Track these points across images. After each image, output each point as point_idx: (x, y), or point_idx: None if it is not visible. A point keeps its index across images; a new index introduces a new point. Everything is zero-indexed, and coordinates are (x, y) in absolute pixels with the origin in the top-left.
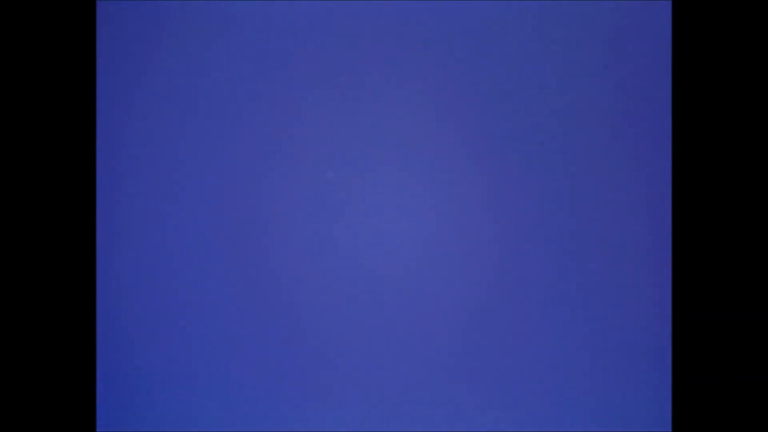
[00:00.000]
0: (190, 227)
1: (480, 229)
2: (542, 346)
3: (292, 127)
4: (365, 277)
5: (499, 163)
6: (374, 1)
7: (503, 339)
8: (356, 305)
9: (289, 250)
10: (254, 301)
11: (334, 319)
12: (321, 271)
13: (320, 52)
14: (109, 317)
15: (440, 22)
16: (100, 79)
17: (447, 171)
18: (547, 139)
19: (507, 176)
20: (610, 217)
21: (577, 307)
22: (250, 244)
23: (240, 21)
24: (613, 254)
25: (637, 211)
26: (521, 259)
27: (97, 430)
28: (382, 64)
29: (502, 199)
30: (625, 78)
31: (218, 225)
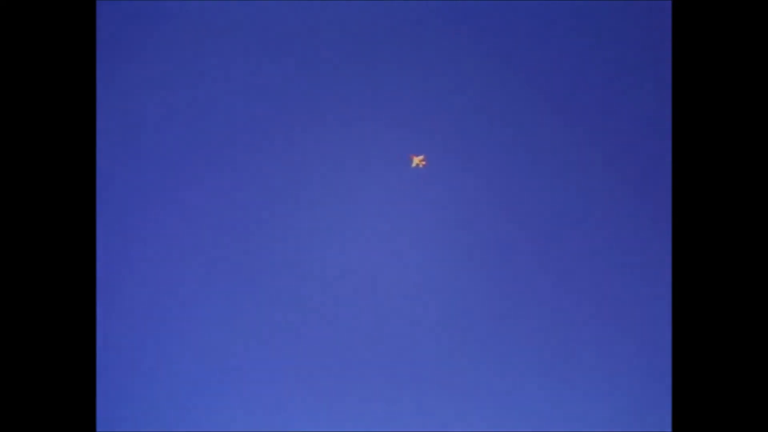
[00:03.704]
0: (189, 228)
1: (480, 231)
2: (542, 347)
3: (292, 125)
4: (365, 280)
5: (499, 164)
6: (372, 1)
7: (503, 340)
8: (356, 308)
9: (288, 254)
10: (254, 302)
11: (333, 320)
12: (320, 274)
13: (319, 51)
14: (109, 317)
15: (441, 22)
16: (100, 79)
17: (446, 172)
18: (547, 139)
19: (506, 177)
20: (610, 218)
21: (577, 309)
22: (251, 245)
23: (239, 21)
24: (613, 255)
25: (637, 210)
26: (521, 260)
27: (97, 430)
28: (383, 65)
29: (502, 200)
30: (625, 78)
31: (218, 226)
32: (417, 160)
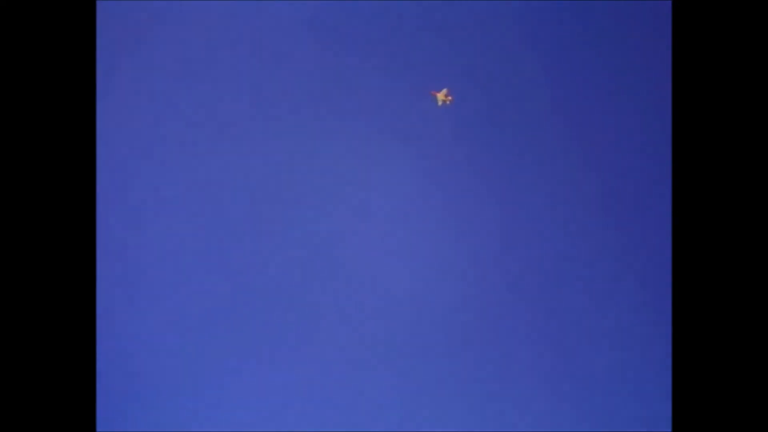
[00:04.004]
0: (189, 229)
1: (480, 230)
2: (542, 347)
3: (291, 126)
4: (366, 281)
5: (499, 163)
6: (374, 1)
7: (503, 339)
8: (356, 309)
9: (287, 254)
10: (254, 303)
11: (331, 321)
12: (319, 274)
13: (320, 52)
14: (109, 318)
15: (442, 22)
16: (100, 79)
17: (445, 172)
18: (547, 138)
19: (506, 176)
20: (610, 218)
21: (577, 309)
22: (250, 246)
23: (239, 21)
24: (613, 255)
25: (638, 210)
26: (521, 260)
27: (97, 430)
28: (384, 65)
29: (502, 199)
30: (625, 78)
31: (218, 226)
32: (441, 97)
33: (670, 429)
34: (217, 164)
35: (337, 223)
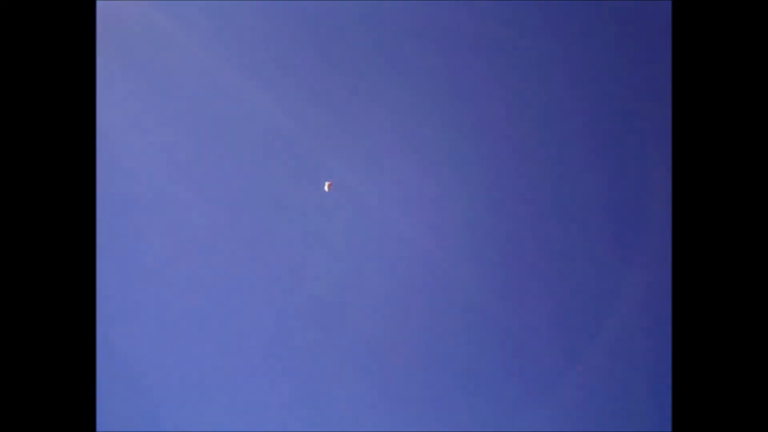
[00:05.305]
0: (188, 227)
1: (479, 230)
2: (542, 347)
3: (291, 126)
4: (365, 280)
5: (498, 163)
6: (374, 1)
7: (503, 339)
8: (355, 310)
9: (285, 253)
10: (253, 303)
11: (329, 320)
12: (319, 273)
13: (320, 50)
14: (109, 318)
15: (441, 22)
16: (100, 79)
17: (445, 171)
18: (546, 138)
19: (506, 176)
20: (610, 217)
21: (577, 309)
22: (249, 246)
23: (239, 21)
24: (613, 254)
25: (637, 210)
26: (521, 259)
27: (97, 430)
28: (384, 64)
29: (502, 199)
30: (625, 78)
31: (217, 226)
32: (327, 187)
33: (670, 429)
34: (217, 164)
35: (336, 222)
